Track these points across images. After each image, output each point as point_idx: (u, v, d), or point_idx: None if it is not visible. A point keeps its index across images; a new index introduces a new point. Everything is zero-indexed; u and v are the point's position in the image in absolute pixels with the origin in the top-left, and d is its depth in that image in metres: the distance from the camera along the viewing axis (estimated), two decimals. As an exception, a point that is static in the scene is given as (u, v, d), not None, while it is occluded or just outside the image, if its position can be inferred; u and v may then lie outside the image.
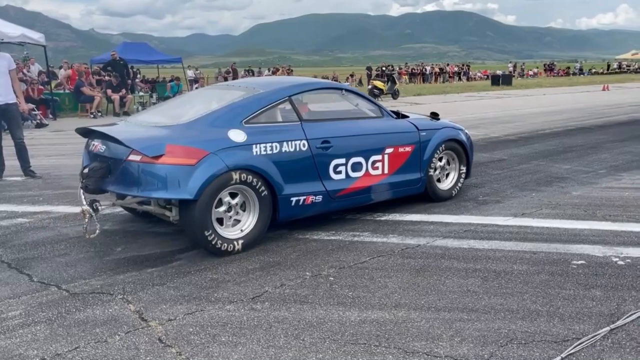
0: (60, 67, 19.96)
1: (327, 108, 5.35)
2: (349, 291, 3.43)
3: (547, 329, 2.92)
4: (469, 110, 16.00)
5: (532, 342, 2.78)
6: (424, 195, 5.49)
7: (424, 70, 42.71)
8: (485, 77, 44.05)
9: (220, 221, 4.11)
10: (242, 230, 4.20)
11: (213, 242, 3.99)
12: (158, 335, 2.86)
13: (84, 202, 4.04)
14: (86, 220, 4.02)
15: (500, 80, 32.71)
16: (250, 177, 4.10)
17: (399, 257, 4.02)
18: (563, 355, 2.65)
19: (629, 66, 58.28)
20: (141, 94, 17.71)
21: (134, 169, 3.88)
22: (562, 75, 48.89)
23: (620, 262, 3.87)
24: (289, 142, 4.39)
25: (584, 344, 2.75)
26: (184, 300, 3.29)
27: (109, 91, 16.13)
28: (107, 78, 17.02)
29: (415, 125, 5.39)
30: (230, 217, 4.17)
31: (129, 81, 17.50)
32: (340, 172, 4.72)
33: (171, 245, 4.32)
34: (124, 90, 16.50)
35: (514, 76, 40.14)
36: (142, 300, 3.31)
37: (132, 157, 3.89)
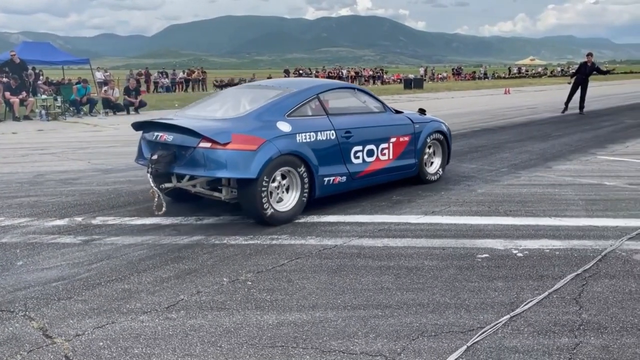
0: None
1: (343, 104, 5.96)
2: (267, 295, 3.43)
3: (455, 321, 3.09)
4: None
5: (441, 334, 2.94)
6: (416, 178, 6.48)
7: (340, 74, 43.53)
8: (399, 80, 45.65)
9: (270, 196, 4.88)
10: (288, 204, 5.03)
11: (268, 214, 4.81)
12: (64, 353, 2.71)
13: (152, 184, 4.80)
14: (155, 199, 4.86)
15: (413, 84, 34.07)
16: (294, 160, 4.96)
17: (317, 258, 4.08)
18: (468, 344, 2.82)
19: (527, 71, 62.87)
20: (44, 96, 16.60)
21: (204, 153, 4.62)
22: (468, 79, 51.74)
23: (520, 254, 4.17)
24: (322, 132, 5.25)
25: (486, 332, 2.95)
26: (93, 314, 3.14)
27: (7, 94, 14.98)
28: (4, 80, 15.80)
29: (410, 119, 6.37)
30: (278, 194, 4.97)
31: (28, 81, 16.31)
32: (358, 157, 5.61)
33: (78, 257, 4.10)
34: (24, 93, 15.40)
35: (425, 80, 41.97)
36: (47, 316, 3.12)
37: (202, 144, 4.62)
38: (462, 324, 3.04)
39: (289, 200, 5.06)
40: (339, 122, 5.45)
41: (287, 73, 41.43)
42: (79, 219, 5.14)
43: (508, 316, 3.13)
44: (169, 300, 3.34)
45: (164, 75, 31.76)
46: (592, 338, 2.89)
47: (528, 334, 2.93)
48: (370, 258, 4.10)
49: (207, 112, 5.40)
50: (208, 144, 4.61)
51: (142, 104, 16.94)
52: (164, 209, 4.88)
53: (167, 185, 5.09)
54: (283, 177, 5.00)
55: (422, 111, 6.84)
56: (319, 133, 5.21)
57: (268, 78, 39.06)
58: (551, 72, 64.86)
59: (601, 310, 3.21)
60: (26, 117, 15.08)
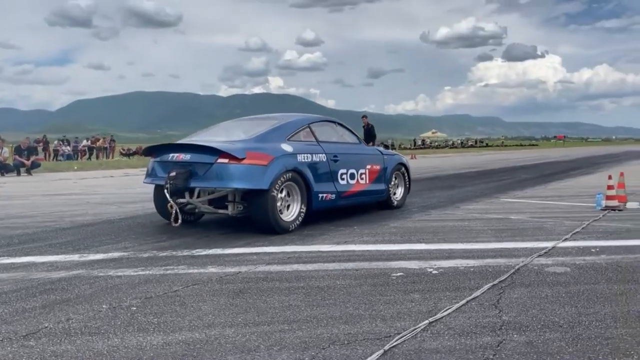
0: None
1: (327, 134, 6.69)
2: (154, 318, 2.91)
3: (370, 329, 2.75)
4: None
5: (354, 342, 2.58)
6: (385, 203, 7.28)
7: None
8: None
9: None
10: (292, 215, 5.62)
11: (276, 222, 5.36)
12: None
13: (169, 199, 5.31)
14: (172, 212, 5.34)
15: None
16: (296, 176, 5.62)
17: (217, 284, 3.61)
18: (386, 347, 2.48)
19: (431, 143, 66.97)
20: None
21: (222, 168, 5.23)
22: (377, 150, 53.85)
23: (435, 272, 3.96)
24: (316, 154, 6.02)
25: (405, 337, 2.63)
26: None
27: None
28: None
29: (380, 151, 7.48)
30: (282, 205, 5.54)
31: None
32: (344, 179, 6.42)
33: None
34: None
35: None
36: None
37: (220, 160, 5.23)
38: (378, 332, 2.71)
39: (291, 211, 5.64)
40: (327, 148, 6.25)
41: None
42: None
43: (427, 321, 2.84)
44: (28, 328, 2.72)
45: (66, 143, 30.04)
46: (515, 335, 2.66)
47: (449, 336, 2.65)
48: (277, 281, 3.70)
49: (211, 138, 5.99)
50: (226, 160, 5.21)
51: (35, 165, 15.70)
52: (180, 221, 5.37)
53: (181, 200, 5.57)
54: (284, 190, 5.57)
55: (385, 146, 7.98)
56: (314, 155, 5.96)
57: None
58: (452, 144, 69.53)
59: (521, 312, 3.02)
60: None
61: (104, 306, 3.10)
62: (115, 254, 4.54)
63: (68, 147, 29.43)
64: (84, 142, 31.14)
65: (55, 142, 30.09)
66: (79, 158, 28.88)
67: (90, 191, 10.65)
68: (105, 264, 4.19)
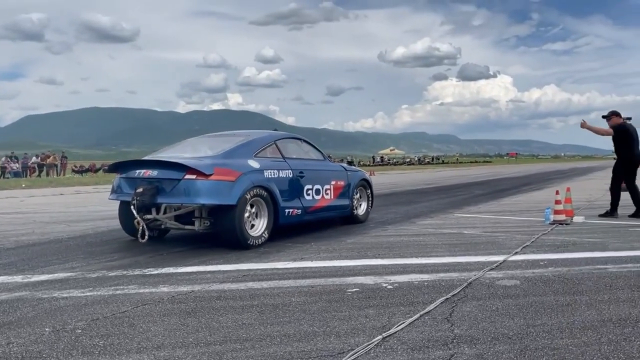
0: None
1: (293, 151, 6.79)
2: (100, 340, 2.80)
3: (324, 346, 2.73)
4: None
5: (308, 359, 2.55)
6: (350, 217, 7.49)
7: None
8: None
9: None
10: (259, 230, 5.63)
11: (244, 237, 5.37)
12: None
13: (136, 215, 5.29)
14: (139, 228, 5.33)
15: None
16: (263, 192, 5.67)
17: (168, 304, 3.52)
18: (339, 364, 2.46)
19: (390, 160, 67.94)
20: None
21: (190, 184, 5.22)
22: (337, 167, 54.16)
23: (390, 287, 3.98)
24: (282, 170, 6.11)
25: (359, 352, 2.62)
26: None
27: None
28: None
29: (344, 167, 7.74)
30: (250, 221, 5.56)
31: None
32: (309, 195, 6.53)
33: None
34: None
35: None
36: None
37: (188, 176, 5.22)
38: (332, 349, 2.69)
39: (258, 226, 5.67)
40: (293, 164, 6.36)
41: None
42: None
43: (380, 337, 2.84)
44: (-38, 355, 2.57)
45: (14, 160, 28.88)
46: (466, 349, 2.69)
47: (402, 351, 2.66)
48: (231, 299, 3.63)
49: (178, 154, 5.96)
50: (193, 176, 5.21)
51: (-20, 183, 15.00)
52: (146, 237, 5.36)
53: (147, 216, 5.51)
54: (252, 206, 5.58)
55: (350, 163, 8.30)
56: (280, 171, 6.05)
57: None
58: (410, 161, 70.77)
59: (472, 325, 3.06)
60: None
61: (46, 329, 2.97)
62: (62, 275, 4.36)
63: (16, 164, 28.34)
64: (33, 159, 30.01)
65: (3, 158, 28.89)
66: (28, 175, 27.85)
67: (38, 209, 10.26)
68: (50, 285, 4.02)
